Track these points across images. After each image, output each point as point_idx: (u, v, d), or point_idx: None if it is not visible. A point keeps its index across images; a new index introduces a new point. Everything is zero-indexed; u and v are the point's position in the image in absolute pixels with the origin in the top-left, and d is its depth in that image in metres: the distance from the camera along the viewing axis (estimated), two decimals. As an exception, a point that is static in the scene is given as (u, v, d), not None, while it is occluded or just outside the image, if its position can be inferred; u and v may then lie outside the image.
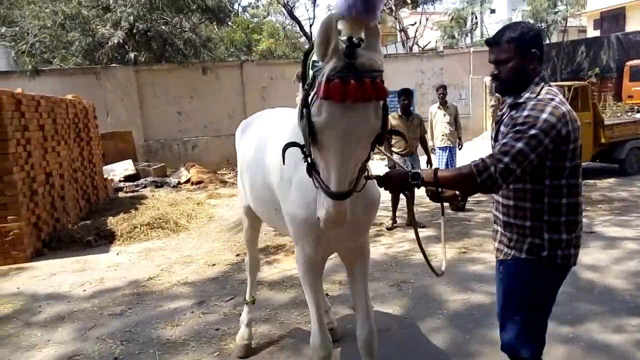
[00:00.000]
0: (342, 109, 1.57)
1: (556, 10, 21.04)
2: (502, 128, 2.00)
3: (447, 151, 7.39)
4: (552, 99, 1.90)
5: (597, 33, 29.51)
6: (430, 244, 5.55)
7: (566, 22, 22.02)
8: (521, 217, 1.98)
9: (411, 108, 6.54)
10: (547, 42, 21.56)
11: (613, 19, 30.17)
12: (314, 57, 1.67)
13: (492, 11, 28.34)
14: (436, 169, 1.97)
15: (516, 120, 1.88)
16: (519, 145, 1.81)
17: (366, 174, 1.90)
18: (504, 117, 2.02)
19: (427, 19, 25.01)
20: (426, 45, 26.09)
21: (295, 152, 1.83)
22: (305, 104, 1.66)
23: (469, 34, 25.81)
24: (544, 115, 1.84)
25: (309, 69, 1.73)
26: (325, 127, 1.61)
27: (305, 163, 1.78)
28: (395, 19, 24.56)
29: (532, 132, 1.82)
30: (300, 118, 1.70)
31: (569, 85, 8.86)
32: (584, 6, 21.74)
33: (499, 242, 2.11)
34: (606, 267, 4.49)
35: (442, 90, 7.45)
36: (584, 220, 5.28)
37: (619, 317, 3.46)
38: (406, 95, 6.37)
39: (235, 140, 3.30)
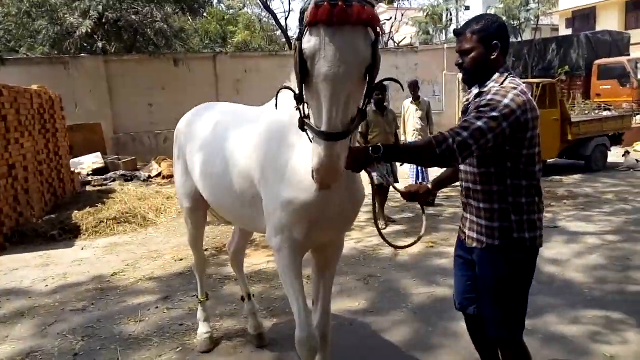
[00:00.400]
0: (331, 33, 1.55)
1: (528, 8, 21.43)
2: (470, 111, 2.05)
3: None
4: (515, 88, 1.96)
5: (570, 31, 30.18)
6: (399, 238, 5.62)
7: (538, 20, 22.44)
8: (489, 200, 2.05)
9: (385, 103, 6.58)
10: (520, 39, 21.95)
11: (584, 18, 30.88)
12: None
13: (467, 8, 28.63)
14: (396, 143, 1.98)
15: (479, 104, 1.95)
16: (479, 123, 1.87)
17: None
18: (470, 106, 2.07)
19: (402, 15, 25.16)
20: (402, 41, 26.24)
21: (286, 136, 1.97)
22: (299, 39, 1.63)
23: (444, 31, 26.04)
24: (506, 101, 1.90)
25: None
26: (315, 55, 1.57)
27: (298, 122, 1.72)
28: (372, 14, 24.59)
29: (493, 114, 1.88)
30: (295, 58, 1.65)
31: (537, 83, 9.02)
32: (555, 5, 22.18)
33: (470, 230, 2.16)
34: (567, 261, 4.61)
35: (414, 87, 7.51)
36: (549, 215, 5.36)
37: (576, 310, 3.55)
38: (380, 90, 6.39)
39: (178, 135, 3.04)
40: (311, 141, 1.68)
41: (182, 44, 16.35)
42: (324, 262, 2.47)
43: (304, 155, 1.90)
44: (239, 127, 2.51)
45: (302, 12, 1.65)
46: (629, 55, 18.18)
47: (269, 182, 2.15)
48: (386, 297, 4.00)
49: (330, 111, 1.59)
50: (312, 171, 1.67)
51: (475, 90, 2.09)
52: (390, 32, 24.21)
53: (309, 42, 1.57)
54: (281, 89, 1.89)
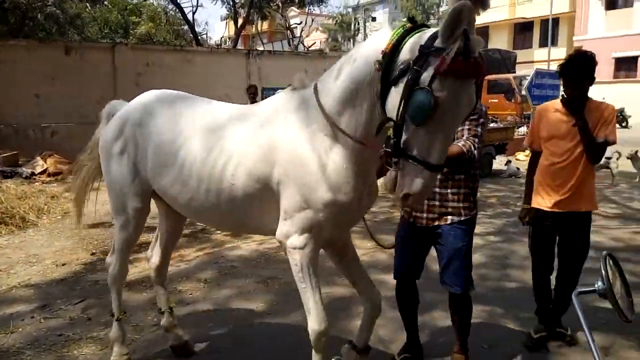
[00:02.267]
0: (462, 85, 1.70)
1: (429, 23, 22.84)
2: None
3: None
4: None
5: (463, 48, 32.50)
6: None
7: (437, 36, 23.98)
8: (457, 186, 2.65)
9: None
10: (420, 52, 23.26)
11: (479, 36, 33.55)
12: (413, 43, 1.78)
13: (374, 19, 29.86)
14: None
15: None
16: (480, 130, 2.57)
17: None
18: None
19: (312, 20, 25.55)
20: (311, 46, 26.64)
21: (322, 144, 2.09)
22: (415, 84, 1.71)
23: (352, 39, 26.87)
24: (483, 109, 2.62)
25: (398, 53, 1.82)
26: (446, 102, 1.69)
27: (392, 146, 1.83)
28: (282, 16, 24.71)
29: (482, 120, 2.59)
30: (406, 99, 1.74)
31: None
32: (452, 22, 23.83)
33: (430, 212, 2.68)
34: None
35: (252, 90, 7.65)
36: None
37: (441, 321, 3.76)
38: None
39: (123, 127, 2.62)
40: (396, 168, 1.84)
41: (77, 31, 15.16)
42: (340, 252, 2.56)
43: (344, 160, 2.09)
44: (240, 127, 2.35)
45: (426, 53, 1.72)
46: (514, 72, 20.05)
47: (297, 184, 2.16)
48: (285, 300, 3.97)
49: (442, 149, 1.79)
50: (404, 194, 1.81)
51: None
52: (301, 36, 24.48)
53: (442, 91, 1.68)
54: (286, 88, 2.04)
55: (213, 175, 2.32)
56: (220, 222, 2.71)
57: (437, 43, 1.69)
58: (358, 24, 26.44)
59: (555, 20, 26.53)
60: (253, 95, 7.48)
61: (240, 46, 23.48)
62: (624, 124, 22.24)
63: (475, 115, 2.47)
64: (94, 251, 5.13)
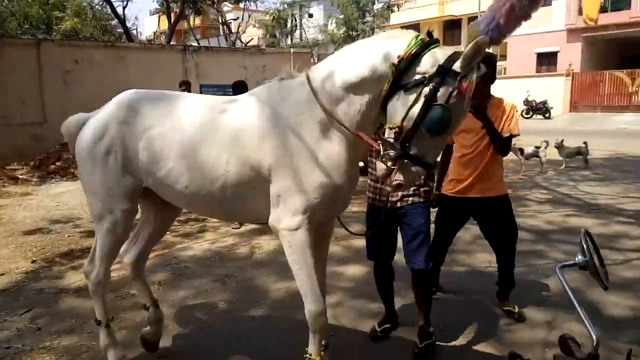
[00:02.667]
0: (467, 105, 1.99)
1: (365, 20, 23.26)
2: None
3: None
4: None
5: (397, 45, 33.43)
6: (254, 235, 5.62)
7: (373, 33, 24.51)
8: None
9: None
10: (357, 49, 23.69)
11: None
12: (432, 59, 1.98)
13: (310, 15, 29.97)
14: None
15: None
16: None
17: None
18: None
19: (249, 16, 25.25)
20: (249, 42, 26.34)
21: (317, 131, 2.21)
22: (432, 98, 1.93)
23: (289, 35, 26.85)
24: None
25: (415, 63, 1.99)
26: (457, 116, 1.99)
27: (396, 149, 2.02)
28: (218, 11, 24.23)
29: None
30: (426, 109, 1.94)
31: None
32: (388, 19, 24.49)
33: (393, 195, 2.92)
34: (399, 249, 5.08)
35: (185, 86, 7.61)
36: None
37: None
38: (241, 88, 6.49)
39: (107, 128, 2.55)
40: (387, 159, 2.04)
41: (-5, 26, 14.08)
42: (317, 239, 2.50)
43: (336, 146, 2.23)
44: (231, 117, 2.41)
45: (444, 73, 1.93)
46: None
47: (289, 169, 2.25)
48: (244, 296, 3.96)
49: (439, 152, 2.21)
50: (397, 184, 2.04)
51: None
52: (237, 32, 24.13)
53: (455, 110, 1.95)
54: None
55: (207, 165, 2.37)
56: (215, 210, 2.71)
57: (456, 67, 1.92)
58: (295, 20, 26.46)
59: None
60: (186, 90, 7.39)
61: (172, 42, 22.76)
62: (546, 115, 23.88)
63: None
64: (34, 259, 4.84)
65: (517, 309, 3.48)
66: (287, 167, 2.26)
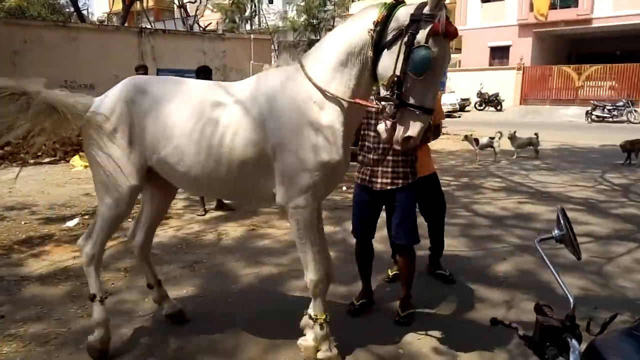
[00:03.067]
0: (446, 43, 2.16)
1: (326, 9, 23.24)
2: None
3: None
4: None
5: (357, 34, 33.61)
6: (220, 222, 5.61)
7: (334, 22, 24.52)
8: (404, 155, 3.09)
9: None
10: (319, 37, 23.64)
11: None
12: (403, 13, 2.17)
13: (270, 1, 29.61)
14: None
15: None
16: None
17: None
18: None
19: (207, 0, 24.67)
20: (207, 26, 25.76)
21: (315, 112, 2.36)
22: (411, 43, 2.10)
23: (249, 21, 26.45)
24: None
25: (389, 23, 2.20)
26: (438, 56, 2.10)
27: (394, 100, 2.15)
28: (175, -6, 23.51)
29: None
30: (408, 55, 2.10)
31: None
32: (348, 8, 24.57)
33: (384, 178, 3.14)
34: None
35: (143, 70, 7.55)
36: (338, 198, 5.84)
37: (381, 276, 4.07)
38: (205, 73, 6.44)
39: (115, 108, 2.63)
40: (390, 117, 2.18)
41: None
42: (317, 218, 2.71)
43: (334, 123, 2.38)
44: (234, 99, 2.55)
45: (417, 20, 2.11)
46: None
47: (292, 149, 2.40)
48: (214, 281, 3.98)
49: (434, 95, 2.21)
50: (406, 137, 2.16)
51: None
52: (196, 15, 23.54)
53: (435, 48, 2.09)
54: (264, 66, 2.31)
55: (212, 144, 2.50)
56: (219, 188, 2.85)
57: (425, 11, 2.11)
58: (255, 5, 26.08)
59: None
60: (144, 75, 7.25)
61: (125, 24, 21.96)
62: (498, 107, 24.79)
63: None
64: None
65: (448, 272, 3.95)
66: (290, 147, 2.41)
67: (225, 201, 6.35)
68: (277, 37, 26.70)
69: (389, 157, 3.12)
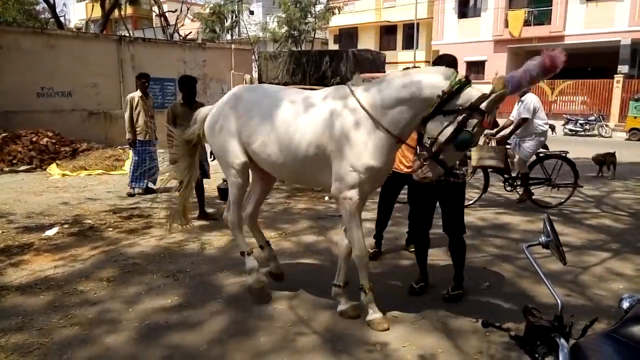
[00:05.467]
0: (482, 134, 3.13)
1: (307, 21, 23.43)
2: None
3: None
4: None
5: (337, 47, 34.07)
6: (203, 232, 5.59)
7: (314, 34, 24.75)
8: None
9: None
10: (300, 49, 23.84)
11: (349, 36, 35.32)
12: (467, 96, 2.82)
13: (251, 12, 29.72)
14: None
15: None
16: None
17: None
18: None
19: (188, 9, 24.62)
20: (187, 35, 25.69)
21: (366, 131, 3.08)
22: (463, 124, 2.78)
23: (230, 31, 26.48)
24: None
25: (456, 97, 2.82)
26: (474, 139, 2.86)
27: (430, 154, 2.94)
28: (155, 2, 23.41)
29: None
30: (457, 132, 2.80)
31: (320, 89, 10.01)
32: (328, 21, 24.86)
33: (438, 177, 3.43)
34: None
35: (145, 79, 7.57)
36: (333, 206, 6.00)
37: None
38: (187, 86, 6.32)
39: (222, 110, 3.67)
40: (421, 158, 3.01)
41: None
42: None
43: (380, 141, 3.09)
44: (303, 108, 3.32)
45: (474, 109, 2.77)
46: (384, 71, 21.56)
47: (346, 153, 3.13)
48: (198, 291, 3.97)
49: (458, 159, 3.31)
50: (424, 176, 2.99)
51: None
52: (176, 24, 23.46)
53: (474, 132, 2.80)
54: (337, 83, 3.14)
55: (285, 141, 3.31)
56: (288, 175, 3.74)
57: (482, 106, 2.75)
58: (236, 16, 26.14)
59: (416, 26, 29.03)
60: (145, 84, 7.34)
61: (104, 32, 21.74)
62: (475, 121, 25.25)
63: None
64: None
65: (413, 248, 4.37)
66: (344, 153, 3.15)
67: (208, 210, 6.35)
68: (258, 47, 26.80)
69: None
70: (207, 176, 6.61)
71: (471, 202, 6.87)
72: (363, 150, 3.09)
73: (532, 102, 6.80)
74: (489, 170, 7.04)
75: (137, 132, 7.44)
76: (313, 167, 3.33)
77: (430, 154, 2.89)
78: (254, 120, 3.46)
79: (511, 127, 6.98)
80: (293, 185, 7.26)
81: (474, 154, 6.38)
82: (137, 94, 7.49)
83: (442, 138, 2.83)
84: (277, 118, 3.36)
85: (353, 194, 3.18)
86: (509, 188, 7.26)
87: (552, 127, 20.52)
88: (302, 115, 3.28)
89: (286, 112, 3.35)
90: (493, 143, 6.97)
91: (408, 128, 3.09)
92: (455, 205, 3.72)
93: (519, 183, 7.06)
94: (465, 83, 2.82)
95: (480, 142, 6.55)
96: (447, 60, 3.66)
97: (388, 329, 3.29)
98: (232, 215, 3.85)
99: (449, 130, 2.79)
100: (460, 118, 2.76)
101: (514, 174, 7.12)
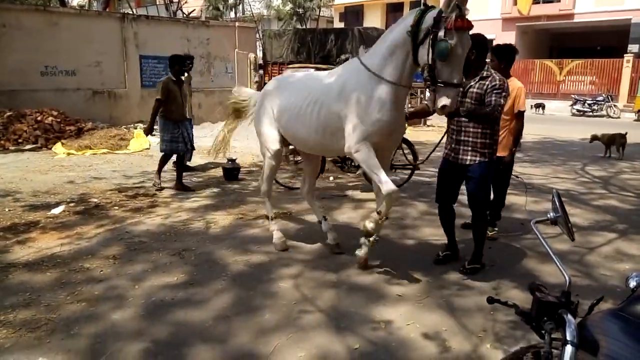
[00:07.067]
0: (462, 34, 3.07)
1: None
2: (475, 90, 3.68)
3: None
4: (502, 77, 3.73)
5: (342, 25, 33.59)
6: (208, 211, 5.60)
7: (319, 11, 24.41)
8: (482, 137, 3.69)
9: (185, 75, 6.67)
10: (305, 27, 23.52)
11: (354, 14, 34.76)
12: (429, 16, 3.14)
13: (256, -11, 29.23)
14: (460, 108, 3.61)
15: (494, 85, 3.61)
16: (502, 100, 3.62)
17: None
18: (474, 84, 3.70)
19: (191, -14, 24.27)
20: (191, 13, 25.39)
21: (370, 86, 3.49)
22: (435, 38, 3.04)
23: (233, 9, 26.15)
24: (505, 84, 3.65)
25: (421, 25, 3.17)
26: (458, 46, 3.04)
27: (429, 79, 3.17)
28: (158, -20, 23.08)
29: (504, 93, 3.63)
30: (433, 48, 3.07)
31: (324, 68, 9.92)
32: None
33: (464, 154, 3.75)
34: (357, 224, 5.27)
35: (191, 60, 7.62)
36: (338, 184, 6.06)
37: (371, 262, 4.12)
38: (180, 63, 6.68)
39: (264, 96, 4.33)
40: (432, 91, 3.21)
41: None
42: (381, 155, 3.68)
43: (383, 95, 3.46)
44: (320, 85, 3.85)
45: (438, 20, 3.05)
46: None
47: (356, 112, 3.53)
48: (204, 269, 3.99)
49: (459, 73, 3.16)
50: (441, 106, 3.13)
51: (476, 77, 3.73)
52: (179, 2, 23.18)
53: (453, 39, 3.01)
54: (346, 59, 3.86)
55: (308, 117, 3.84)
56: (314, 147, 4.10)
57: (443, 14, 3.02)
58: (240, -7, 25.78)
59: (423, 3, 28.52)
60: (190, 64, 7.48)
61: (107, 10, 21.50)
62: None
63: (499, 89, 3.59)
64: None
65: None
66: (354, 112, 3.55)
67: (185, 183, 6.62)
68: (262, 25, 26.48)
69: (469, 138, 3.71)
70: (193, 147, 7.04)
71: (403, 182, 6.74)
72: (370, 104, 3.47)
73: None
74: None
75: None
76: (332, 135, 3.73)
77: (430, 80, 3.14)
78: (283, 102, 4.03)
79: None
80: (297, 166, 7.23)
81: None
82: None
83: (429, 60, 3.11)
84: (298, 95, 3.92)
85: (362, 145, 3.52)
86: (347, 169, 7.19)
87: (542, 106, 20.46)
88: (319, 89, 3.80)
89: (306, 89, 3.89)
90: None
91: (406, 73, 3.42)
92: (481, 183, 3.78)
93: (355, 163, 6.62)
94: (425, 9, 3.20)
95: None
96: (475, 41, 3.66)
97: (365, 267, 3.91)
98: (264, 186, 4.54)
99: (430, 50, 3.08)
100: (432, 35, 3.07)
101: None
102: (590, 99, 21.26)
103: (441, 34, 3.02)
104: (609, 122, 17.82)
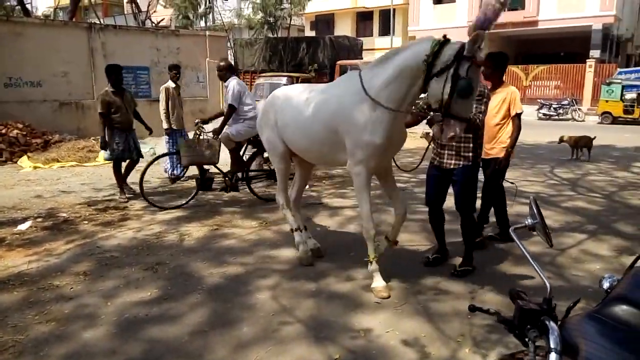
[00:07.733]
0: (479, 70, 3.27)
1: (282, 7, 23.13)
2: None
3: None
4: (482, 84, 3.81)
5: (313, 33, 33.78)
6: (182, 223, 5.49)
7: (290, 20, 24.45)
8: (465, 141, 3.78)
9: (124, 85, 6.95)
10: (276, 35, 23.54)
11: (325, 22, 35.05)
12: (449, 52, 3.10)
13: (225, -1, 29.14)
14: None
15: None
16: (483, 107, 3.76)
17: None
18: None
19: (160, -5, 24.02)
20: (160, 22, 25.10)
21: (365, 111, 3.45)
22: (456, 74, 3.03)
23: (204, 17, 25.96)
24: (485, 91, 3.80)
25: (439, 57, 3.11)
26: (473, 82, 3.09)
27: (440, 112, 3.19)
28: (125, -11, 22.75)
29: (485, 100, 3.78)
30: (454, 84, 3.05)
31: (297, 77, 9.95)
32: (304, 7, 24.55)
33: (448, 158, 3.87)
34: (333, 231, 5.27)
35: (177, 70, 7.70)
36: (314, 193, 6.26)
37: (350, 270, 4.12)
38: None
39: (267, 110, 4.31)
40: (439, 122, 3.23)
41: None
42: (384, 177, 3.96)
43: (380, 118, 3.42)
44: (319, 99, 3.81)
45: (460, 57, 3.04)
46: (362, 58, 21.52)
47: (353, 133, 3.53)
48: (178, 283, 3.90)
49: (470, 109, 3.35)
50: (450, 136, 3.17)
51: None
52: (147, 11, 22.88)
53: (472, 77, 3.09)
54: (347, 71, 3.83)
55: (309, 130, 3.86)
56: (315, 157, 4.15)
57: (466, 52, 3.02)
58: (209, 1, 25.59)
59: (392, 11, 28.93)
60: (177, 75, 7.58)
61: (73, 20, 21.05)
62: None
63: (479, 96, 3.66)
64: None
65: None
66: (350, 133, 3.55)
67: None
68: (233, 34, 26.35)
69: (454, 144, 3.76)
70: (141, 155, 6.93)
71: (183, 202, 6.22)
72: (364, 128, 3.45)
73: (233, 87, 6.12)
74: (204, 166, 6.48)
75: (172, 123, 7.50)
76: (331, 147, 3.76)
77: (442, 112, 3.14)
78: (285, 114, 4.06)
79: (222, 118, 6.26)
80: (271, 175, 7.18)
81: (182, 151, 5.96)
82: (171, 84, 7.52)
83: (445, 94, 3.07)
84: (300, 108, 3.92)
85: (360, 169, 3.59)
86: (229, 183, 6.32)
87: None
88: (318, 103, 3.79)
89: (307, 102, 3.89)
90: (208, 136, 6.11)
91: (408, 100, 3.38)
92: (465, 185, 3.88)
93: (240, 176, 6.35)
94: (444, 42, 3.14)
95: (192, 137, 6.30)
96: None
97: (389, 296, 3.59)
98: (279, 197, 4.52)
99: (448, 84, 3.05)
100: (452, 70, 3.03)
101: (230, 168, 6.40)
102: (556, 103, 21.89)
103: (462, 71, 3.02)
104: (575, 125, 18.36)
